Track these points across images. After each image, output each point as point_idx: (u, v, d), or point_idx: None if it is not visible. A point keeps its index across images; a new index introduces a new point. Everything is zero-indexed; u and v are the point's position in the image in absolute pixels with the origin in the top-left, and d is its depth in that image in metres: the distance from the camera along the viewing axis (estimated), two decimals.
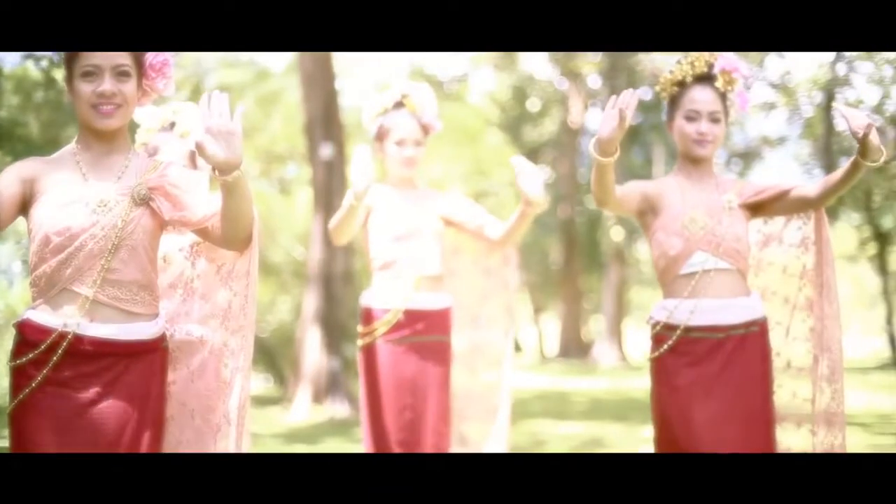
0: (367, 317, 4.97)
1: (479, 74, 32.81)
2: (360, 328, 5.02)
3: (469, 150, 27.48)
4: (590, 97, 31.79)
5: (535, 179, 4.68)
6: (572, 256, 30.83)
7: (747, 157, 34.11)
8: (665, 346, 4.15)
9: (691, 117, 4.24)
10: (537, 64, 31.74)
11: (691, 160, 4.32)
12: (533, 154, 33.05)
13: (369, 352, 4.94)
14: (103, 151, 3.34)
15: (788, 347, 4.41)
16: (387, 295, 4.93)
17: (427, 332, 4.91)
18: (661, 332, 4.20)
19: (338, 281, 14.05)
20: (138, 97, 3.36)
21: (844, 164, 4.05)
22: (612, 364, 27.03)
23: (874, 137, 3.84)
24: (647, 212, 4.31)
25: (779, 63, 31.54)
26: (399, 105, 5.01)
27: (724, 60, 4.27)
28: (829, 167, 29.48)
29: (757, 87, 30.08)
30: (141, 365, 3.28)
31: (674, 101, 4.32)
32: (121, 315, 3.25)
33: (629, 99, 3.75)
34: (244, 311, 3.40)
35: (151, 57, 3.35)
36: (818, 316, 4.28)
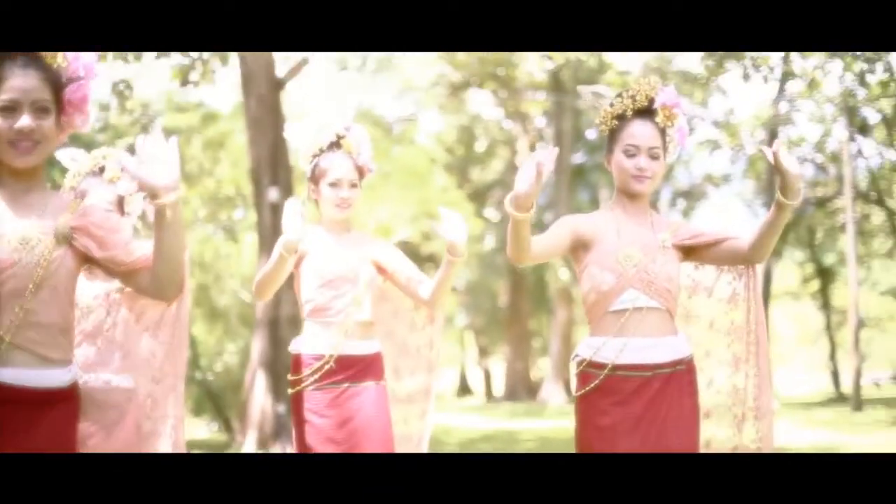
0: (298, 364, 4.90)
1: (426, 115, 32.97)
2: (290, 376, 4.94)
3: (417, 191, 27.55)
4: (537, 137, 31.98)
5: (458, 228, 4.68)
6: (520, 297, 30.92)
7: (691, 196, 34.44)
8: (592, 385, 4.04)
9: (630, 152, 4.13)
10: (484, 104, 31.91)
11: (628, 195, 4.21)
12: (480, 194, 33.18)
13: (302, 400, 4.87)
14: (21, 189, 3.18)
15: (710, 398, 4.33)
16: (318, 341, 4.86)
17: (360, 378, 4.84)
18: (587, 371, 4.09)
19: (284, 325, 14.02)
20: (56, 133, 3.18)
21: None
22: (560, 404, 27.04)
23: (787, 162, 3.89)
24: (579, 248, 4.20)
25: (722, 101, 31.95)
26: (335, 146, 4.95)
27: (665, 95, 4.17)
28: (772, 205, 29.73)
29: (701, 125, 30.40)
30: (53, 414, 3.11)
31: (613, 135, 4.19)
32: (35, 360, 3.08)
33: (547, 155, 3.69)
34: (170, 358, 3.32)
35: (70, 92, 3.19)
36: (749, 374, 4.25)
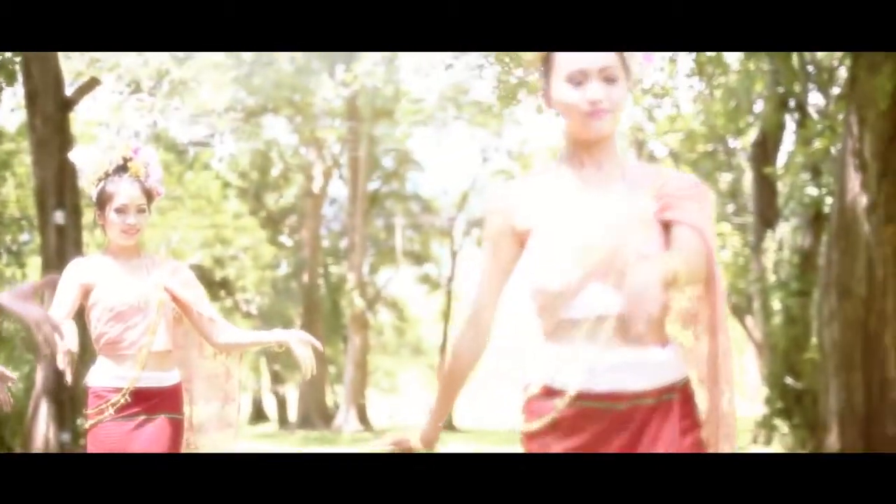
0: (94, 398, 4.74)
1: (221, 140, 32.59)
2: (86, 410, 4.77)
3: (209, 217, 27.20)
4: (333, 164, 31.98)
5: (306, 357, 4.67)
6: (314, 323, 30.78)
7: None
8: (546, 419, 2.84)
9: (576, 79, 2.82)
10: (279, 130, 31.77)
11: (583, 144, 2.91)
12: (275, 221, 32.98)
13: (97, 434, 4.72)
14: None
15: None
16: (113, 374, 4.71)
17: (156, 410, 4.70)
18: (539, 399, 2.86)
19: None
20: None
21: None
22: (354, 431, 27.05)
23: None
24: (524, 239, 2.93)
25: (516, 132, 32.57)
26: (121, 169, 4.75)
27: None
28: None
29: (496, 156, 30.87)
30: None
31: (547, 65, 2.92)
32: None
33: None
34: None
35: None
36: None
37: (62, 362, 4.15)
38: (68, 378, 4.36)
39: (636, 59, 2.91)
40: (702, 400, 2.93)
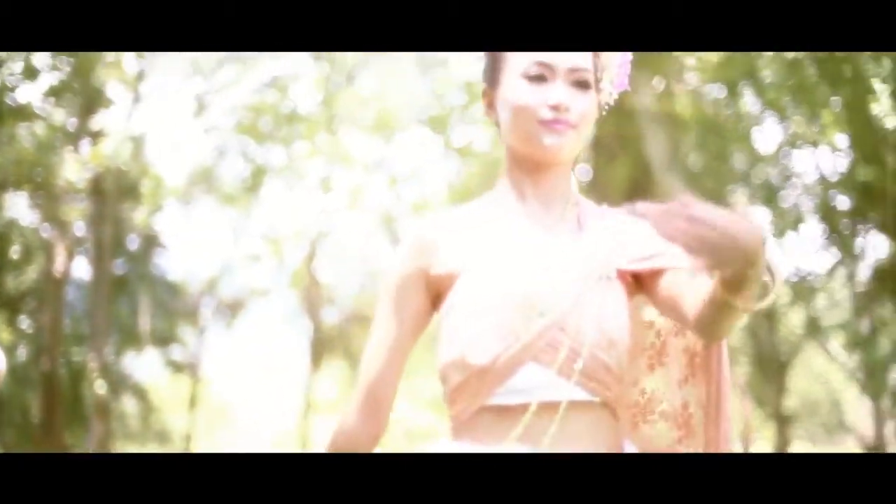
0: None
1: None
2: None
3: None
4: (76, 244, 31.11)
5: None
6: (54, 411, 29.68)
7: (235, 308, 34.56)
8: None
9: (537, 74, 2.12)
10: (19, 208, 30.77)
11: (528, 167, 2.18)
12: (13, 303, 31.77)
13: None
14: None
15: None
16: None
17: None
18: None
19: None
20: None
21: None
22: None
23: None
24: (442, 293, 2.17)
25: (266, 214, 32.56)
26: None
27: None
28: (314, 318, 30.58)
29: (246, 238, 30.64)
30: None
31: (498, 55, 2.23)
32: None
33: None
34: None
35: None
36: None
37: None
38: None
39: (609, 74, 2.22)
40: None
